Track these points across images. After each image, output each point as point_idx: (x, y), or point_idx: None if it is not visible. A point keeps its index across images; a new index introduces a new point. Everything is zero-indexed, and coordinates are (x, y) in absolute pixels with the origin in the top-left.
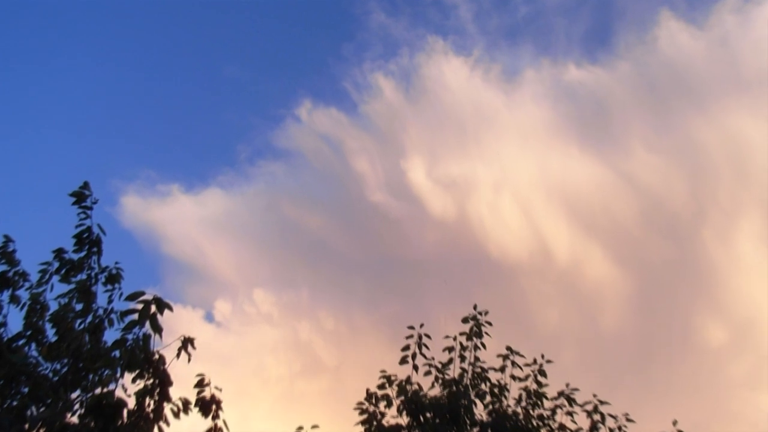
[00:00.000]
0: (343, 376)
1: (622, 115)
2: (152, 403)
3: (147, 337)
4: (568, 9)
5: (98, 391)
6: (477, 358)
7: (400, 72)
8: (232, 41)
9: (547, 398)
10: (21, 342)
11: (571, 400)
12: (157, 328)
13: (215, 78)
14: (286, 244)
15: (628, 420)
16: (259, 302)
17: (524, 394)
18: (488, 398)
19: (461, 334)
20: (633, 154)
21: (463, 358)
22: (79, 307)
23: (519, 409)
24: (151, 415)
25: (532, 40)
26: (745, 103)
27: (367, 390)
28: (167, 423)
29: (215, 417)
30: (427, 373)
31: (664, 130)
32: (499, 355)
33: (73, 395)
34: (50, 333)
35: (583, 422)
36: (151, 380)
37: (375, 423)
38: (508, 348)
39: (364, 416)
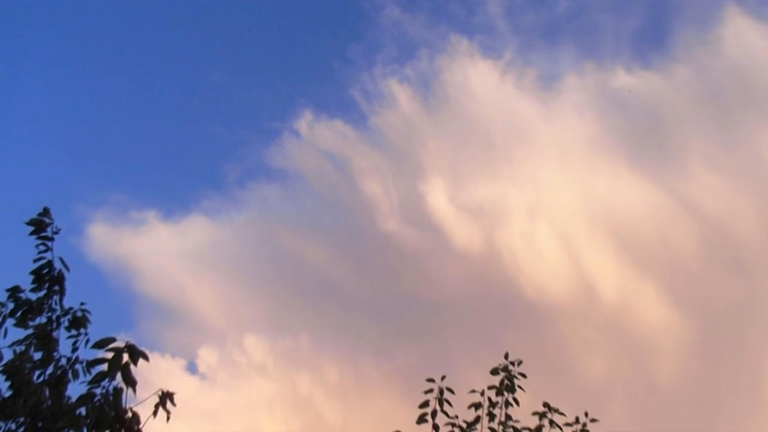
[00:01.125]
0: None
1: (680, 128)
2: None
3: (118, 392)
4: (616, 4)
5: None
6: (509, 417)
7: (418, 78)
8: (219, 41)
9: None
10: None
11: None
12: (130, 381)
13: (199, 85)
14: (282, 282)
15: None
16: (250, 350)
17: None
18: None
19: (490, 387)
20: (693, 175)
21: (492, 417)
22: (37, 355)
23: None
24: None
25: (573, 41)
26: None
27: None
28: None
29: None
30: None
31: (730, 147)
32: (534, 413)
33: None
34: (4, 386)
35: None
36: None
37: None
38: (546, 404)
39: None
